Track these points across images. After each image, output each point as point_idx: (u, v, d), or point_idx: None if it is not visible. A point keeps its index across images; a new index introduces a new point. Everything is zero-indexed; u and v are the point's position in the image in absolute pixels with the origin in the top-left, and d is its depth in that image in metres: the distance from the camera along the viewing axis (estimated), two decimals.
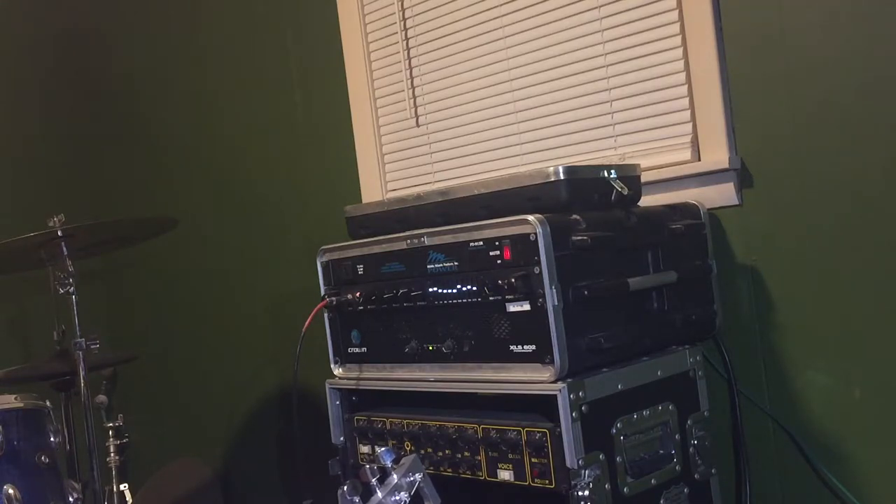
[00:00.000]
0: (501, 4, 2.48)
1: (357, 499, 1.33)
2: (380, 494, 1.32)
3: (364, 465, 1.35)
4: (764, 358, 2.07)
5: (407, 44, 2.72)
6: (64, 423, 2.60)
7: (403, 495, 1.34)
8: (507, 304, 1.77)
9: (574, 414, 1.69)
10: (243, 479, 3.42)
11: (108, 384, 3.55)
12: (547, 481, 1.72)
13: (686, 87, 2.14)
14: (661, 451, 1.88)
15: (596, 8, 2.28)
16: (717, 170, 2.07)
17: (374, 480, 1.34)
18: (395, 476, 1.34)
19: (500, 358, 1.80)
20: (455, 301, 1.87)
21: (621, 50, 2.24)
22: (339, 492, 1.35)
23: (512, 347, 1.78)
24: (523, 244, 1.73)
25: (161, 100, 3.61)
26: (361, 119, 2.85)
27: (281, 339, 3.13)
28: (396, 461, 1.36)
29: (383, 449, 1.37)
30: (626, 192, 1.88)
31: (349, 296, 2.08)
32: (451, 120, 2.64)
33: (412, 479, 1.35)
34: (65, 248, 2.28)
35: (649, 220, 1.92)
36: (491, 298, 1.79)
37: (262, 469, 3.31)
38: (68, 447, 2.58)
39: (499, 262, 1.78)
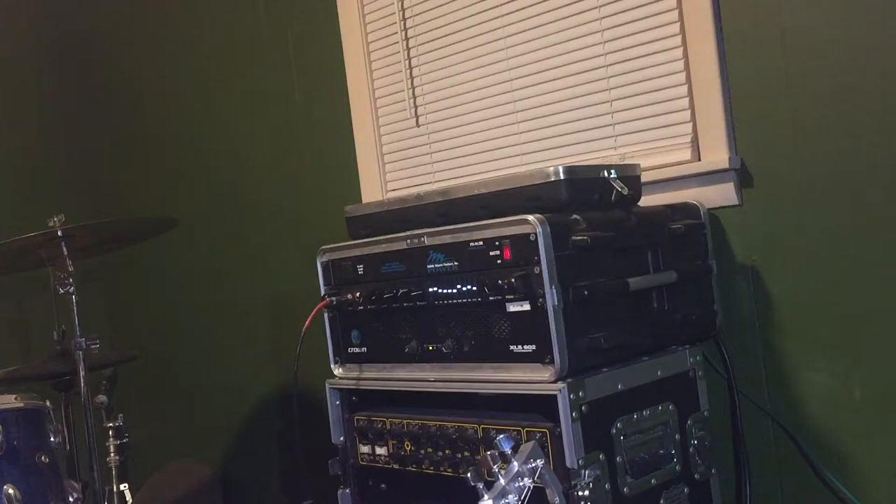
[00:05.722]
0: (501, 4, 2.48)
1: (481, 485, 1.33)
2: (503, 481, 1.32)
3: (486, 453, 1.36)
4: (764, 358, 2.07)
5: (407, 44, 2.72)
6: (64, 423, 2.60)
7: (527, 481, 1.34)
8: (507, 304, 1.77)
9: (574, 414, 1.69)
10: (243, 479, 3.42)
11: (108, 384, 3.54)
12: None
13: (686, 87, 2.14)
14: (661, 451, 1.88)
15: (596, 8, 2.28)
16: (717, 170, 2.07)
17: (496, 467, 1.34)
18: (515, 463, 1.34)
19: (500, 358, 1.80)
20: (455, 301, 1.87)
21: (621, 50, 2.24)
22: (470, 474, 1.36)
23: (512, 347, 1.78)
24: (523, 244, 1.73)
25: (161, 100, 3.61)
26: (361, 119, 2.85)
27: (281, 339, 3.14)
28: (515, 448, 1.36)
29: (501, 436, 1.36)
30: (626, 192, 1.88)
31: (349, 296, 2.08)
32: (451, 120, 2.64)
33: (533, 465, 1.35)
34: (65, 248, 2.28)
35: (649, 220, 1.92)
36: (491, 298, 1.79)
37: (262, 469, 3.31)
38: (68, 447, 2.58)
39: (499, 262, 1.78)
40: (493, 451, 1.36)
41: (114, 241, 2.76)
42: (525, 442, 1.42)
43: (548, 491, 1.41)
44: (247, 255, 3.29)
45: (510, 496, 1.32)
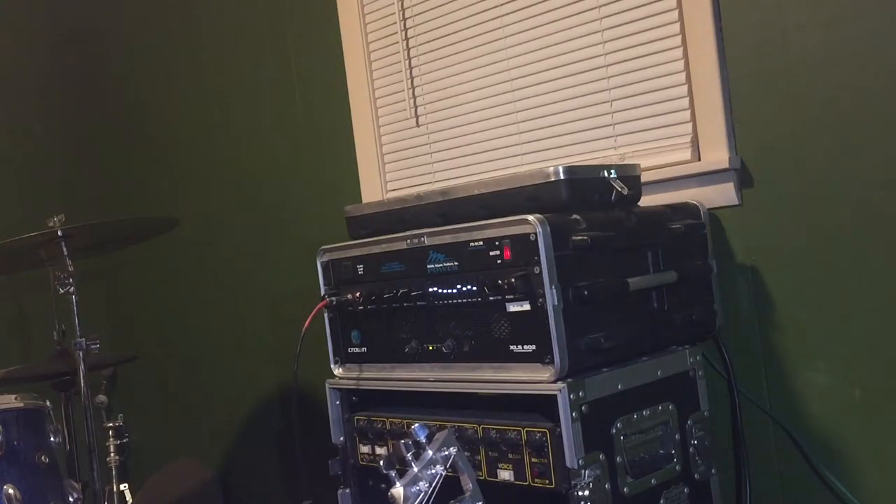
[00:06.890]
0: (501, 4, 2.48)
1: (393, 473, 1.34)
2: (415, 468, 1.33)
3: (399, 441, 1.37)
4: (764, 358, 2.07)
5: (407, 44, 2.72)
6: (64, 423, 2.61)
7: (439, 468, 1.35)
8: (507, 304, 1.77)
9: (574, 414, 1.69)
10: (243, 479, 3.42)
11: (108, 384, 3.54)
12: (547, 481, 1.72)
13: (686, 87, 2.14)
14: (661, 451, 1.88)
15: (596, 8, 2.28)
16: (717, 170, 2.07)
17: (409, 455, 1.35)
18: (429, 451, 1.35)
19: (500, 358, 1.80)
20: (455, 301, 1.87)
21: (621, 50, 2.24)
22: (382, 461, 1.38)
23: (512, 347, 1.78)
24: (523, 244, 1.73)
25: (161, 99, 3.61)
26: (361, 119, 2.85)
27: (281, 339, 3.14)
28: (430, 437, 1.37)
29: (417, 424, 1.37)
30: (626, 192, 1.88)
31: (349, 296, 2.08)
32: (451, 120, 2.64)
33: (446, 453, 1.37)
34: (65, 248, 2.28)
35: (649, 220, 1.92)
36: (491, 298, 1.79)
37: (262, 469, 3.31)
38: (68, 447, 2.58)
39: (499, 262, 1.78)
40: (406, 439, 1.37)
41: (114, 241, 2.77)
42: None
43: (461, 478, 1.42)
44: (247, 255, 3.29)
45: (421, 483, 1.33)
